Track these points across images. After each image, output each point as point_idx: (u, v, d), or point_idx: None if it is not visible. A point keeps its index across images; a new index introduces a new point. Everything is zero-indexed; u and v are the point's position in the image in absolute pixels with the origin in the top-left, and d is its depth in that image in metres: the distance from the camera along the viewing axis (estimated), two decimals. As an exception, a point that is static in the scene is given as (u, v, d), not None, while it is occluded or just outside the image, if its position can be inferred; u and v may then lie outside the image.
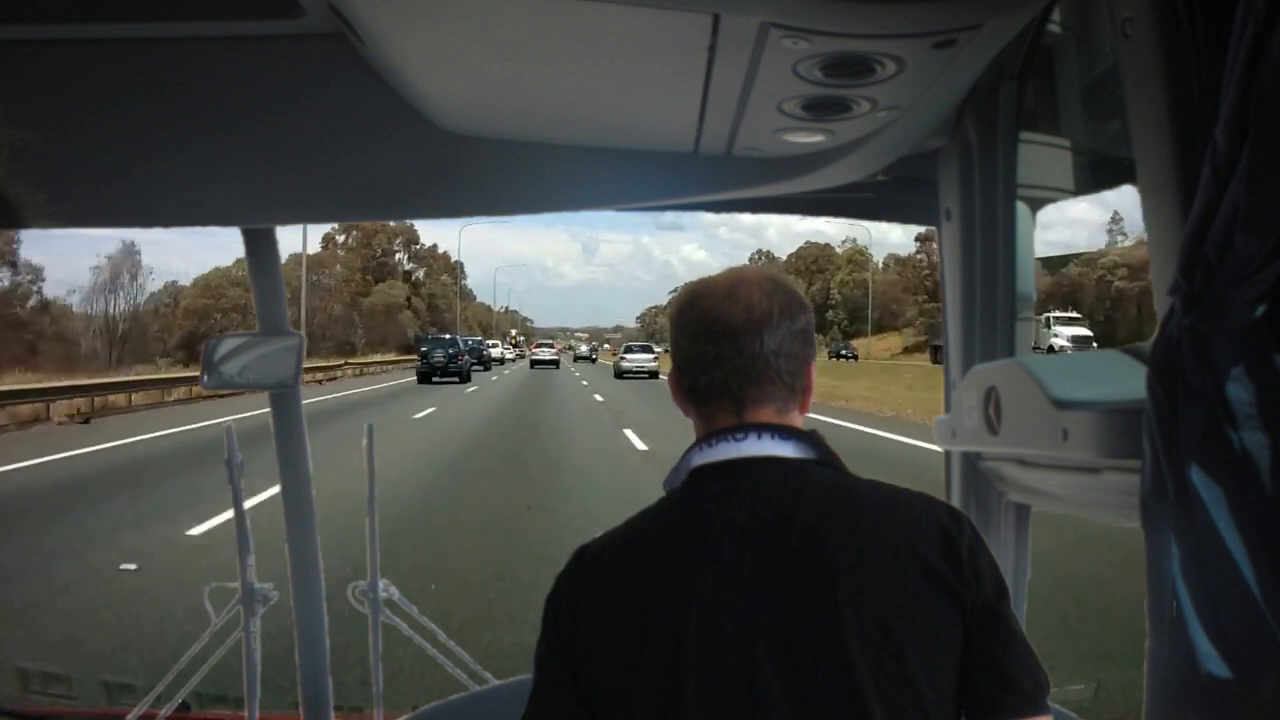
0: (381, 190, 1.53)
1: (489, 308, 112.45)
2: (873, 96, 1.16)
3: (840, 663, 0.91)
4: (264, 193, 1.54)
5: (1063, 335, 37.10)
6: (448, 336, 41.27)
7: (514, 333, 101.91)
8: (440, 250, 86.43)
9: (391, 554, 3.13)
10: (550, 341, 68.55)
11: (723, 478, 1.00)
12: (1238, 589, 0.79)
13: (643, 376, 38.41)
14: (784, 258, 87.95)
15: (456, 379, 34.98)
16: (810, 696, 0.91)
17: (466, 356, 37.85)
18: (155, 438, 15.27)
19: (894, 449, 13.18)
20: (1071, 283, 53.45)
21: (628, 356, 42.72)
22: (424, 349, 36.95)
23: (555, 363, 55.09)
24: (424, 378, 34.85)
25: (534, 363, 54.70)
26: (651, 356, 41.57)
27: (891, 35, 1.00)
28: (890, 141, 1.36)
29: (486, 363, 51.92)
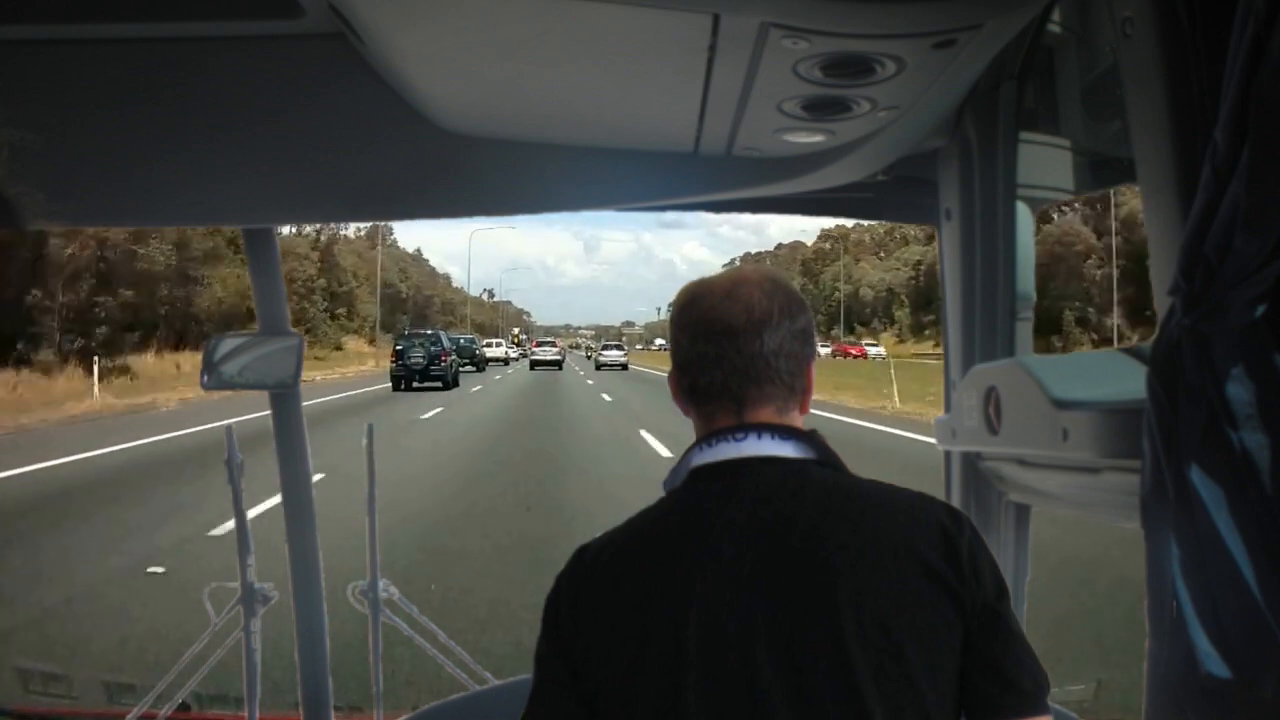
0: (381, 190, 1.53)
1: (436, 274, 77.19)
2: (873, 96, 1.15)
3: (840, 663, 0.91)
4: (264, 193, 1.54)
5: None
6: (429, 332, 32.55)
7: (516, 331, 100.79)
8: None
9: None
10: (552, 340, 61.85)
11: (723, 478, 1.00)
12: (1238, 589, 0.79)
13: (616, 368, 48.05)
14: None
15: (440, 385, 28.10)
16: (810, 696, 0.91)
17: (453, 357, 31.00)
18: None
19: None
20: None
21: (604, 353, 54.56)
22: (400, 348, 29.06)
23: (558, 363, 49.56)
24: (400, 383, 27.97)
25: (534, 363, 49.15)
26: (621, 352, 54.51)
27: (891, 35, 1.00)
28: (890, 141, 1.36)
29: (480, 363, 45.09)
